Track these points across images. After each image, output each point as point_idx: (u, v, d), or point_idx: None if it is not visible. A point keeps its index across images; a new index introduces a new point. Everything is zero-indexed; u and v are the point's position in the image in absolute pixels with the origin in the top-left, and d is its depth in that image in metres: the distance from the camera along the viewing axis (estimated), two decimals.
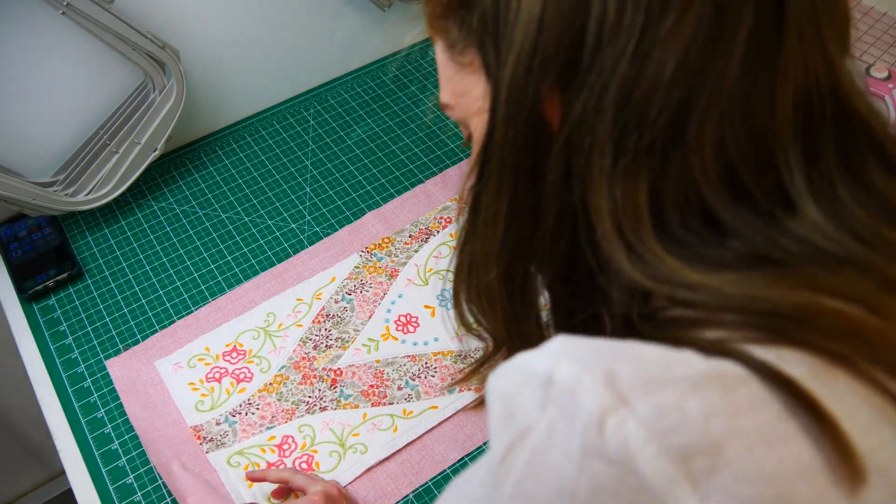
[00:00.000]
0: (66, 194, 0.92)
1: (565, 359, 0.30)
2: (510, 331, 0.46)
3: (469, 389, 0.79)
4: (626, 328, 0.37)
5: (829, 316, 0.31)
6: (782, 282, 0.32)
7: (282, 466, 0.74)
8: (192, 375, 0.81)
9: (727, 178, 0.35)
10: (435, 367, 0.81)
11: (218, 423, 0.78)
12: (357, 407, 0.79)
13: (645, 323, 0.36)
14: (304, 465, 0.74)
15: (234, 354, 0.83)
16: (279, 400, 0.79)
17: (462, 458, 0.75)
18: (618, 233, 0.35)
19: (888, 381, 0.30)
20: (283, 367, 0.82)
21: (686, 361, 0.30)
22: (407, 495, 0.73)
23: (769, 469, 0.27)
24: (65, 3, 0.81)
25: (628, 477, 0.27)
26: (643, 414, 0.28)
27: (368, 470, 0.74)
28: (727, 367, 0.30)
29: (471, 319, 0.47)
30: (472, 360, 0.71)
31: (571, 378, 0.29)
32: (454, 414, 0.78)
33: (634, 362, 0.30)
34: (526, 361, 0.32)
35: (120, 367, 0.82)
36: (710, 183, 0.35)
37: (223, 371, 0.82)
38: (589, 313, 0.42)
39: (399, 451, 0.75)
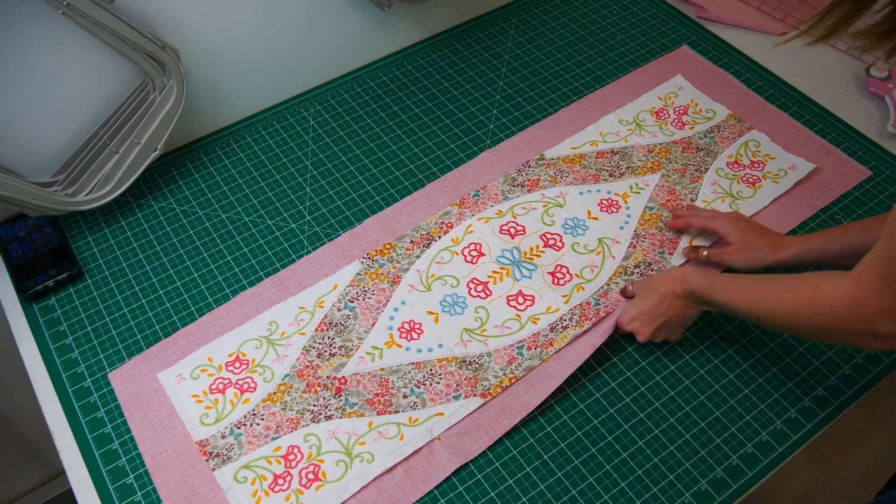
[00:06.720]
0: (66, 194, 0.91)
1: None
2: None
3: (475, 395, 0.79)
4: None
5: None
6: None
7: (288, 477, 0.74)
8: (196, 387, 0.81)
9: None
10: (440, 374, 0.81)
11: (224, 437, 0.77)
12: (363, 415, 0.78)
13: None
14: (310, 475, 0.75)
15: (237, 364, 0.83)
16: (283, 409, 0.79)
17: (467, 465, 0.76)
18: None
19: None
20: (286, 376, 0.82)
21: None
22: (414, 503, 0.74)
23: None
24: (65, 3, 0.80)
25: None
26: None
27: (376, 478, 0.74)
28: None
29: None
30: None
31: None
32: (459, 421, 0.78)
33: None
34: None
35: (122, 381, 0.82)
36: None
37: (226, 382, 0.81)
38: None
39: (406, 458, 0.76)
